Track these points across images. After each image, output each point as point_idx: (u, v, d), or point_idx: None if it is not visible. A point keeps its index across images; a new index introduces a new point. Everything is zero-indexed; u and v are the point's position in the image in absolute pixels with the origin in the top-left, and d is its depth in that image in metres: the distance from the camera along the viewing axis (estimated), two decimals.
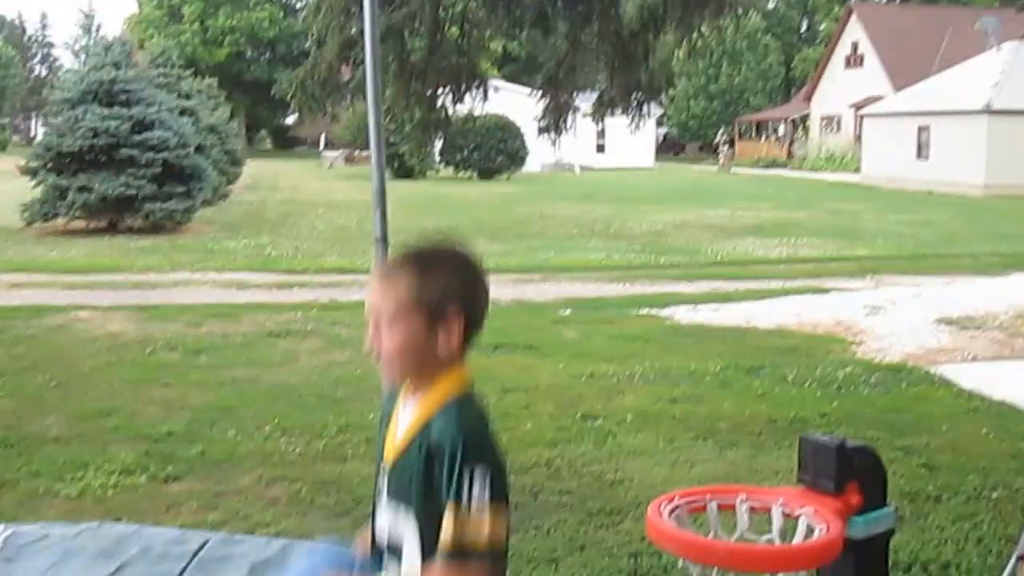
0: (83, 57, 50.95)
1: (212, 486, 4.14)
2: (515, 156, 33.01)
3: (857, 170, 35.55)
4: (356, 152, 40.42)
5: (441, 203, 22.57)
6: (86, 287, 10.17)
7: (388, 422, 1.93)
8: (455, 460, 1.71)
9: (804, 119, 48.18)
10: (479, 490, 1.70)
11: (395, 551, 1.85)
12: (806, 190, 29.51)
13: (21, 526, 3.45)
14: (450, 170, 33.43)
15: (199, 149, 17.91)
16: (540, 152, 30.37)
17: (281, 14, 62.04)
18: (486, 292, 1.93)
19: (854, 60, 44.85)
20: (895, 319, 8.74)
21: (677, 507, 2.47)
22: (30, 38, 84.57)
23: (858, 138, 38.82)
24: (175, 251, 13.50)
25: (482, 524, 1.69)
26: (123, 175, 15.56)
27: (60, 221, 15.86)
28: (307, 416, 5.24)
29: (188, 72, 25.69)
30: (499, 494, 1.71)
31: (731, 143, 50.24)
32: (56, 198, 15.58)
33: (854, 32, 44.70)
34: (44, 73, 79.04)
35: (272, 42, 62.70)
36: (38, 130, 53.48)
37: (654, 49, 6.61)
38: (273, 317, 8.29)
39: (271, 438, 4.83)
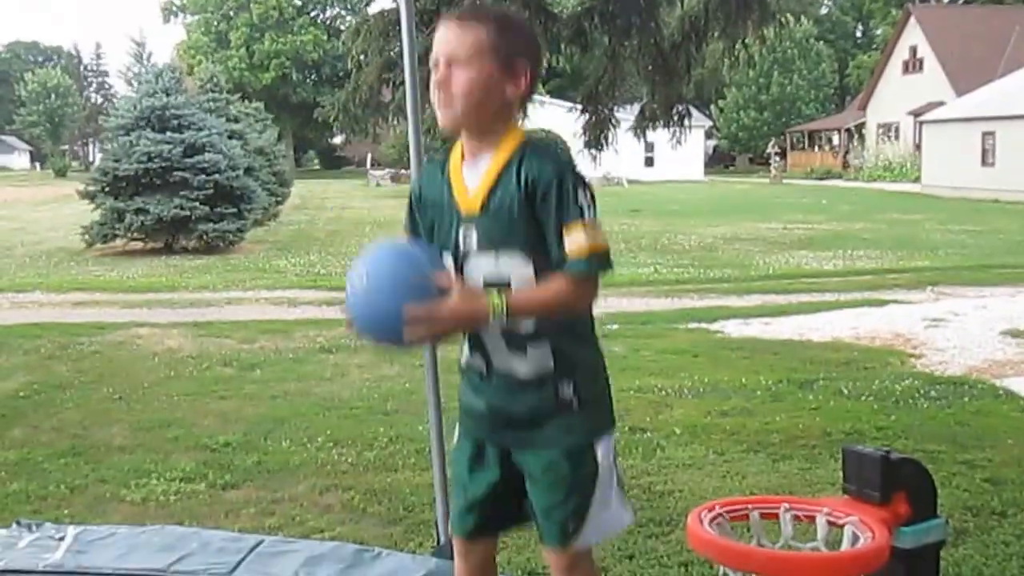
0: (136, 84, 52.37)
1: (268, 494, 4.31)
2: None
3: (917, 179, 35.08)
4: (402, 171, 40.91)
5: None
6: (144, 305, 10.56)
7: (446, 186, 2.15)
8: (567, 186, 2.01)
9: (860, 128, 47.59)
10: (592, 207, 2.02)
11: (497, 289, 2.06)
12: (862, 201, 29.18)
13: (90, 527, 3.67)
14: None
15: (248, 171, 18.37)
16: (586, 166, 30.40)
17: (325, 36, 62.95)
18: (543, 56, 2.21)
19: (913, 65, 44.11)
20: (958, 331, 8.63)
21: (718, 516, 2.49)
22: (86, 67, 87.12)
23: (918, 146, 38.25)
24: (228, 270, 13.93)
25: (601, 231, 2.03)
26: (177, 197, 16.12)
27: (119, 242, 16.53)
28: (358, 428, 5.39)
29: (236, 96, 26.33)
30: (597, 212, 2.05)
31: (783, 154, 49.86)
32: (114, 220, 16.22)
33: (913, 36, 43.91)
34: (100, 101, 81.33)
35: (317, 64, 63.70)
36: (95, 156, 55.05)
37: (698, 61, 6.62)
38: (324, 333, 8.50)
39: (324, 449, 4.98)
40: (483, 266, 2.08)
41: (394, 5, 6.20)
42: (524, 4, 6.17)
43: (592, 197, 2.03)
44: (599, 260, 2.02)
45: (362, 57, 6.43)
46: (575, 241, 1.98)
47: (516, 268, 2.06)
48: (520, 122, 2.15)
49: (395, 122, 6.96)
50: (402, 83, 5.69)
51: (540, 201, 2.01)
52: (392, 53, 6.07)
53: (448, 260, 2.12)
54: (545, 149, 2.07)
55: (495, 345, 2.13)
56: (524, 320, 2.08)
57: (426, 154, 3.57)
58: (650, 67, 6.46)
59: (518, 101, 2.10)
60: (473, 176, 2.10)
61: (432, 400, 3.51)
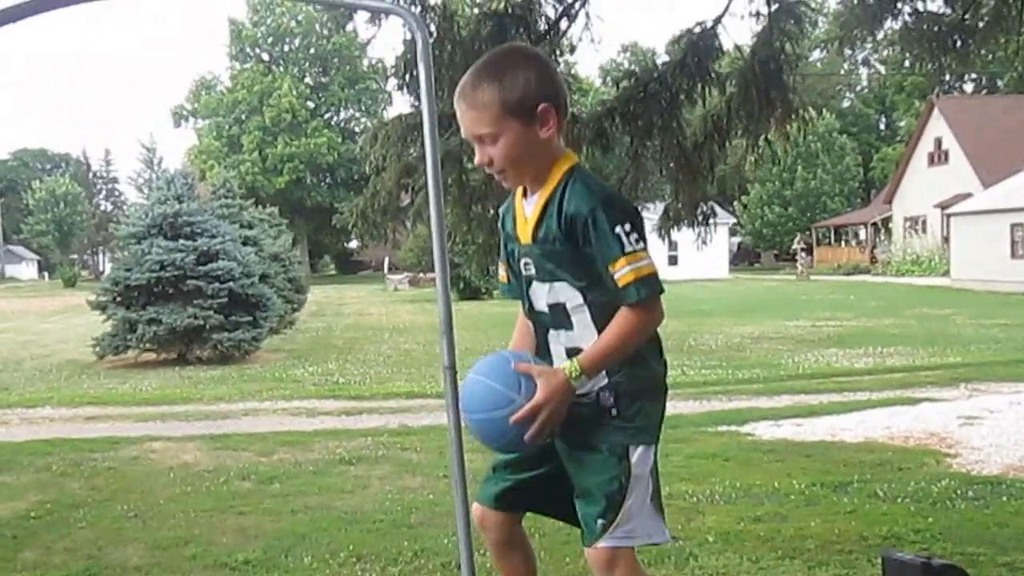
0: (147, 191, 53.51)
1: None
2: None
3: (946, 273, 35.15)
4: (420, 274, 41.33)
5: (509, 323, 22.73)
6: (158, 418, 10.67)
7: (513, 218, 2.38)
8: (604, 224, 2.16)
9: (886, 222, 47.91)
10: (635, 239, 2.16)
11: (556, 310, 2.32)
12: (891, 296, 29.23)
13: None
14: None
15: (263, 278, 18.61)
16: None
17: (339, 139, 64.18)
18: (559, 76, 2.31)
19: (938, 157, 44.60)
20: (993, 429, 8.63)
21: None
22: (95, 174, 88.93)
23: (946, 239, 38.43)
24: (244, 380, 14.08)
25: (646, 259, 2.17)
26: (190, 306, 16.29)
27: (131, 354, 16.68)
28: (381, 542, 5.41)
29: (249, 201, 26.86)
30: (644, 237, 2.18)
31: (809, 250, 50.11)
32: (126, 331, 16.38)
33: (937, 127, 44.52)
34: (110, 208, 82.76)
35: (331, 167, 64.87)
36: (106, 265, 55.92)
37: (720, 159, 6.79)
38: (344, 444, 8.55)
39: (346, 564, 4.99)
40: (542, 293, 2.33)
41: (411, 110, 6.46)
42: None
43: (632, 223, 2.18)
44: (646, 287, 2.21)
45: (380, 162, 6.61)
46: (620, 274, 2.17)
47: (568, 295, 2.28)
48: (565, 149, 2.30)
49: (414, 227, 7.08)
50: (421, 188, 5.88)
51: (581, 238, 2.19)
52: (411, 158, 6.26)
53: (520, 285, 2.41)
54: (584, 182, 2.23)
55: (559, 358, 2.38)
56: (604, 369, 2.30)
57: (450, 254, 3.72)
58: (673, 166, 6.62)
59: (555, 135, 2.25)
60: (529, 207, 2.32)
61: (459, 509, 3.55)
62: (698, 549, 5.18)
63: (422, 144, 3.97)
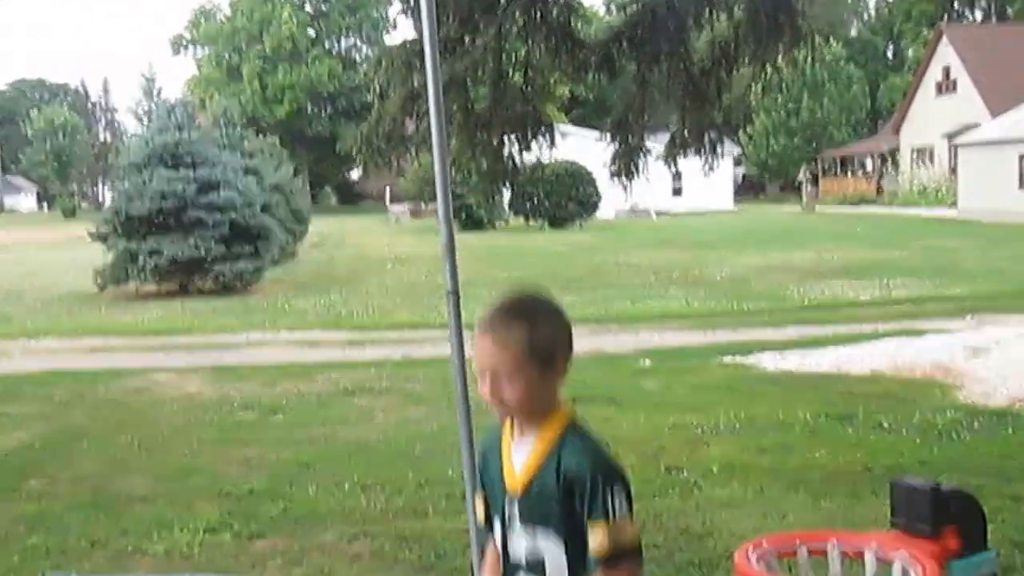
0: (146, 121, 53.04)
1: (295, 543, 4.35)
2: (587, 203, 33.17)
3: (953, 204, 34.90)
4: (422, 205, 41.16)
5: (512, 254, 22.84)
6: (161, 349, 10.70)
7: (498, 461, 2.29)
8: (597, 485, 2.12)
9: (893, 152, 47.48)
10: (621, 505, 2.12)
11: (534, 568, 2.23)
12: (898, 227, 29.12)
13: None
14: (520, 219, 33.81)
15: (265, 208, 18.48)
16: (613, 198, 30.45)
17: (340, 68, 63.45)
18: (572, 327, 2.27)
19: (946, 86, 43.99)
20: (999, 361, 8.61)
21: (765, 552, 2.54)
22: (94, 104, 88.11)
23: (953, 170, 38.11)
24: (246, 311, 14.07)
25: (629, 530, 2.12)
26: (192, 237, 16.23)
27: (132, 285, 16.65)
28: (386, 472, 5.43)
29: (250, 131, 26.61)
30: (631, 504, 2.13)
31: (815, 180, 49.79)
32: (127, 262, 16.32)
33: (945, 56, 43.79)
34: (109, 138, 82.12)
35: (332, 96, 64.16)
36: (106, 195, 55.68)
37: (727, 86, 6.68)
38: (347, 375, 8.57)
39: (351, 495, 5.02)
40: (523, 544, 2.25)
41: (417, 36, 6.33)
42: (550, 31, 6.28)
43: (626, 493, 2.14)
44: (626, 559, 2.12)
45: (385, 88, 6.50)
46: (597, 540, 2.10)
47: (551, 551, 2.21)
48: (563, 402, 2.25)
49: (418, 155, 7.01)
50: (426, 114, 5.78)
51: (576, 498, 2.14)
52: (416, 84, 6.15)
53: (497, 530, 2.32)
54: (584, 442, 2.19)
55: None
56: None
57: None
58: (680, 93, 6.52)
59: (560, 384, 2.22)
60: (519, 456, 2.25)
61: (464, 440, 3.54)
62: (702, 480, 5.19)
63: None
